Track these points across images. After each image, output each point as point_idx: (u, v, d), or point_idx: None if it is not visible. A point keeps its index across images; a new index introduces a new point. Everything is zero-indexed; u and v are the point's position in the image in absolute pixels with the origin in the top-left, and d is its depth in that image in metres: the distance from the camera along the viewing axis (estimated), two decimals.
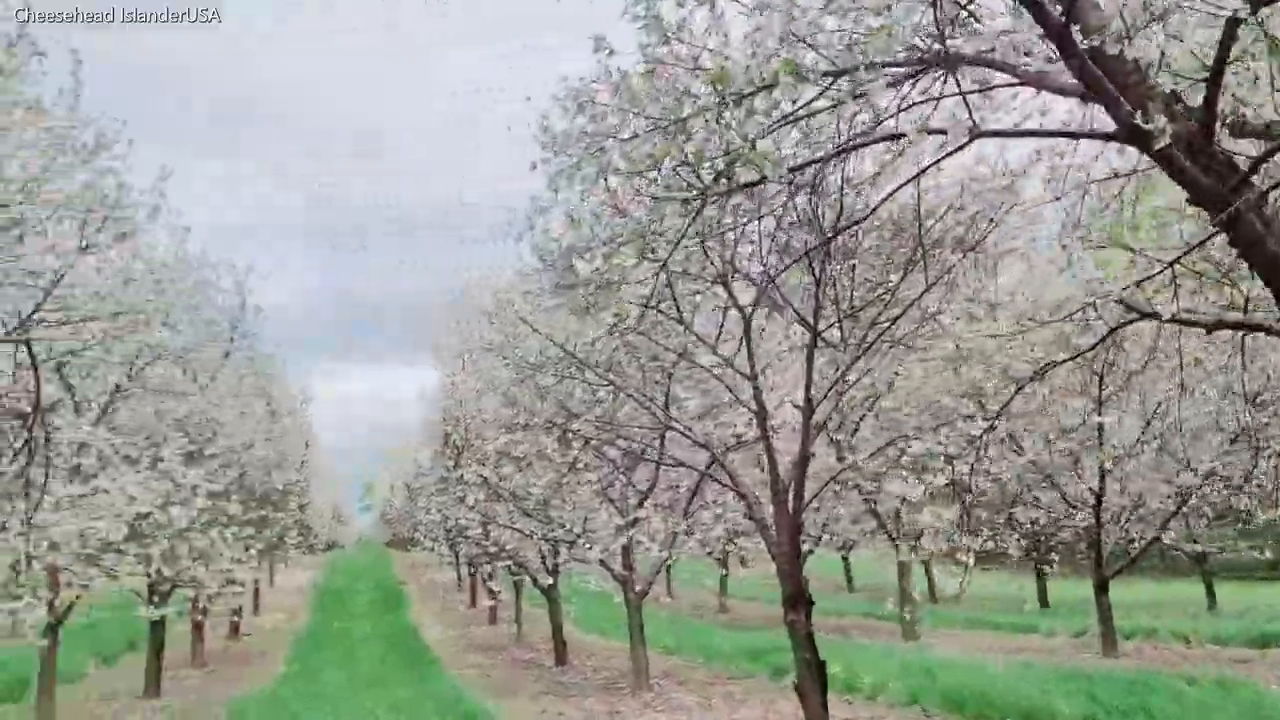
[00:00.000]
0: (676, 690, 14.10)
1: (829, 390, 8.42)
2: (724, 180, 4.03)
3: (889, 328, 8.32)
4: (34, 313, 5.94)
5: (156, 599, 13.58)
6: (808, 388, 8.09)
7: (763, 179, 3.85)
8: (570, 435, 11.36)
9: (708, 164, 3.99)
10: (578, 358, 9.36)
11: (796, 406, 8.45)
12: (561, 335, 9.49)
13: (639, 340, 9.39)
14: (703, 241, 6.07)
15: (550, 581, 17.82)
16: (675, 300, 8.63)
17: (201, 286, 12.83)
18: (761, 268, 7.74)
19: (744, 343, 8.50)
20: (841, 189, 5.09)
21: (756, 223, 7.08)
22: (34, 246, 6.27)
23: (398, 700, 13.18)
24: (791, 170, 3.96)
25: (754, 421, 12.34)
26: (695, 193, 4.13)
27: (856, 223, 6.20)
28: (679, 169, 4.65)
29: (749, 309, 8.40)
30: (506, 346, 10.30)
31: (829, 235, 6.46)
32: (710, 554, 20.73)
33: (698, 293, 8.41)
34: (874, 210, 5.62)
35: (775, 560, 8.70)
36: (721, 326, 8.73)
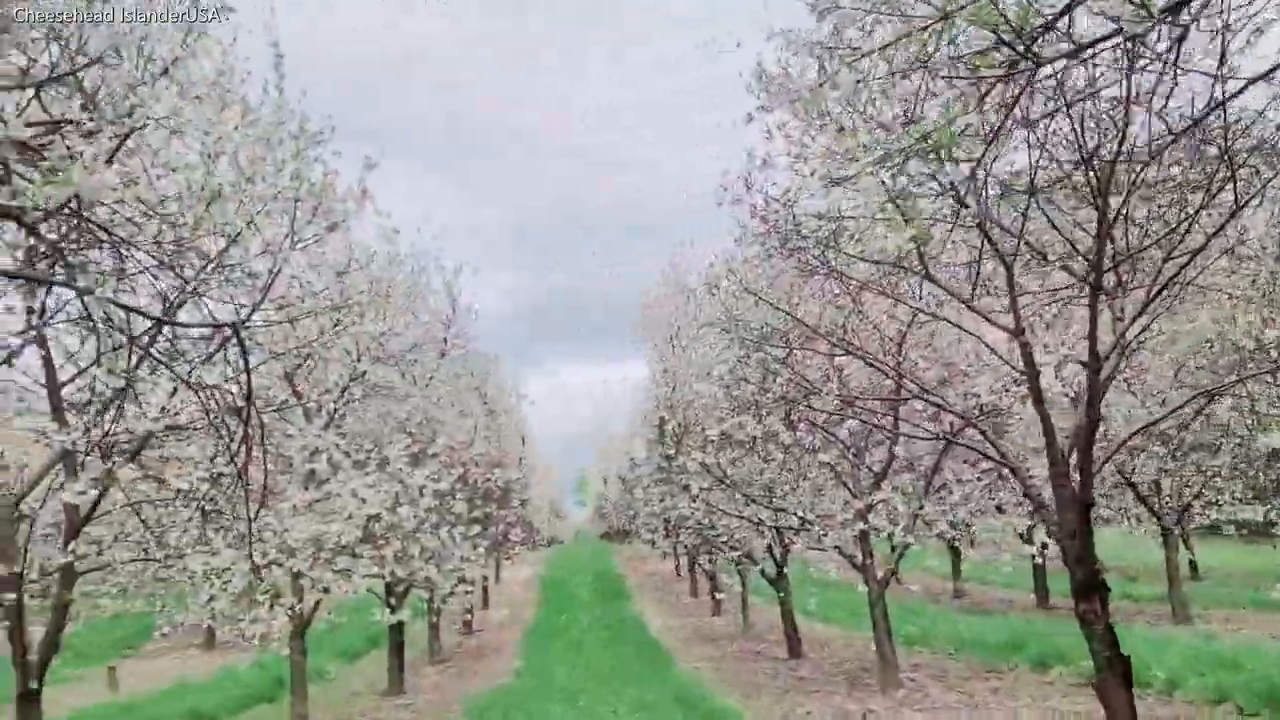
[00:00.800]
0: (932, 685, 12.96)
1: (1115, 344, 7.17)
2: (1051, 37, 3.07)
3: (1187, 264, 7.00)
4: (253, 311, 5.68)
5: (394, 600, 13.70)
6: (1092, 341, 6.89)
7: (1118, 29, 2.85)
8: (800, 414, 10.49)
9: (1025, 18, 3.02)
10: (808, 325, 8.48)
11: (1081, 363, 7.25)
12: (787, 304, 8.65)
13: (876, 303, 8.40)
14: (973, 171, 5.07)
15: (778, 570, 17.05)
16: (920, 255, 7.62)
17: (414, 285, 12.81)
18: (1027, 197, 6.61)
19: (1009, 292, 7.37)
20: (1223, 43, 3.93)
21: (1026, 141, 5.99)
22: (250, 245, 6.06)
23: (637, 697, 12.73)
24: (1164, 12, 2.93)
25: (1005, 387, 11.05)
26: (1019, 57, 3.15)
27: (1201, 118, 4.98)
28: (959, 60, 3.72)
29: (1011, 257, 7.27)
30: (727, 321, 9.53)
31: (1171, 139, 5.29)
32: (940, 536, 19.35)
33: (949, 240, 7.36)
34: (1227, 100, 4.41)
35: (1059, 542, 7.53)
36: (977, 275, 7.62)
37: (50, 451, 5.98)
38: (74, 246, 3.24)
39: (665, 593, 35.28)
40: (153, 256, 3.61)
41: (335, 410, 11.86)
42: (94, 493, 5.79)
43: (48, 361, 6.35)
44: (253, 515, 6.58)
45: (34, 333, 5.73)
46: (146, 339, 4.73)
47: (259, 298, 5.65)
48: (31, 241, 3.11)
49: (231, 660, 21.16)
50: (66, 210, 3.07)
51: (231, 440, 3.73)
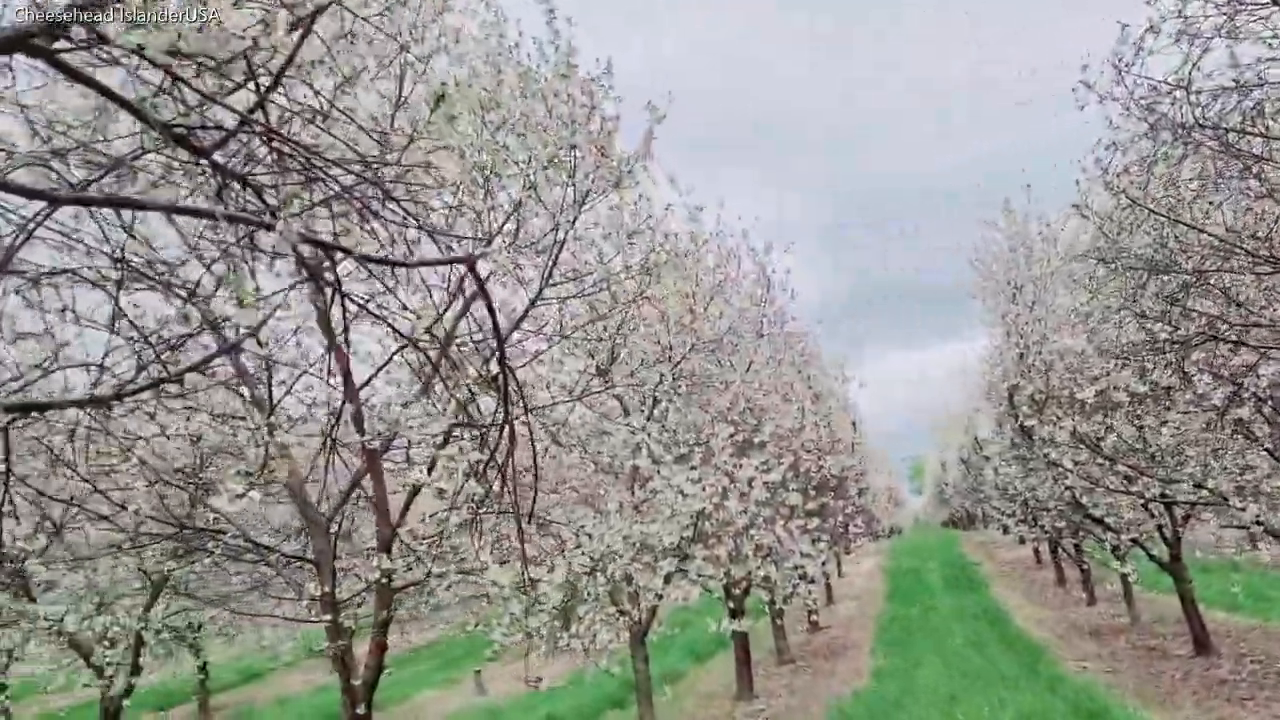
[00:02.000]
0: None
1: None
2: None
3: None
4: (545, 284, 4.95)
5: (732, 603, 12.86)
6: None
7: None
8: (1205, 361, 8.37)
9: None
10: (1224, 240, 6.48)
11: None
12: (1186, 214, 6.72)
13: None
14: None
15: (1171, 554, 14.46)
16: None
17: (723, 263, 11.90)
18: None
19: None
20: None
21: None
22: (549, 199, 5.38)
23: (1022, 705, 11.00)
24: None
25: None
26: None
27: None
28: None
29: None
30: (1107, 249, 7.61)
31: None
32: None
33: None
34: None
35: None
36: None
37: (356, 464, 5.68)
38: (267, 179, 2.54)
39: (1025, 581, 32.20)
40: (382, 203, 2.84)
41: (656, 400, 11.21)
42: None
43: (343, 362, 6.03)
44: (568, 519, 5.95)
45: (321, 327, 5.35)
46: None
47: (547, 265, 4.86)
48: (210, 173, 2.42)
49: (581, 664, 21.42)
50: (259, 128, 2.32)
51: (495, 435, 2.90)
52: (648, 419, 10.81)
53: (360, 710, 5.42)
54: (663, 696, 18.23)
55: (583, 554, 5.92)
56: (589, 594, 6.54)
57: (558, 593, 5.42)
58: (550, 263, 5.20)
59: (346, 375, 6.13)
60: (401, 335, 3.04)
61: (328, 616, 5.51)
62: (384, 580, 5.38)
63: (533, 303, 5.48)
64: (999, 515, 26.10)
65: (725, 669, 17.75)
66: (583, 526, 6.07)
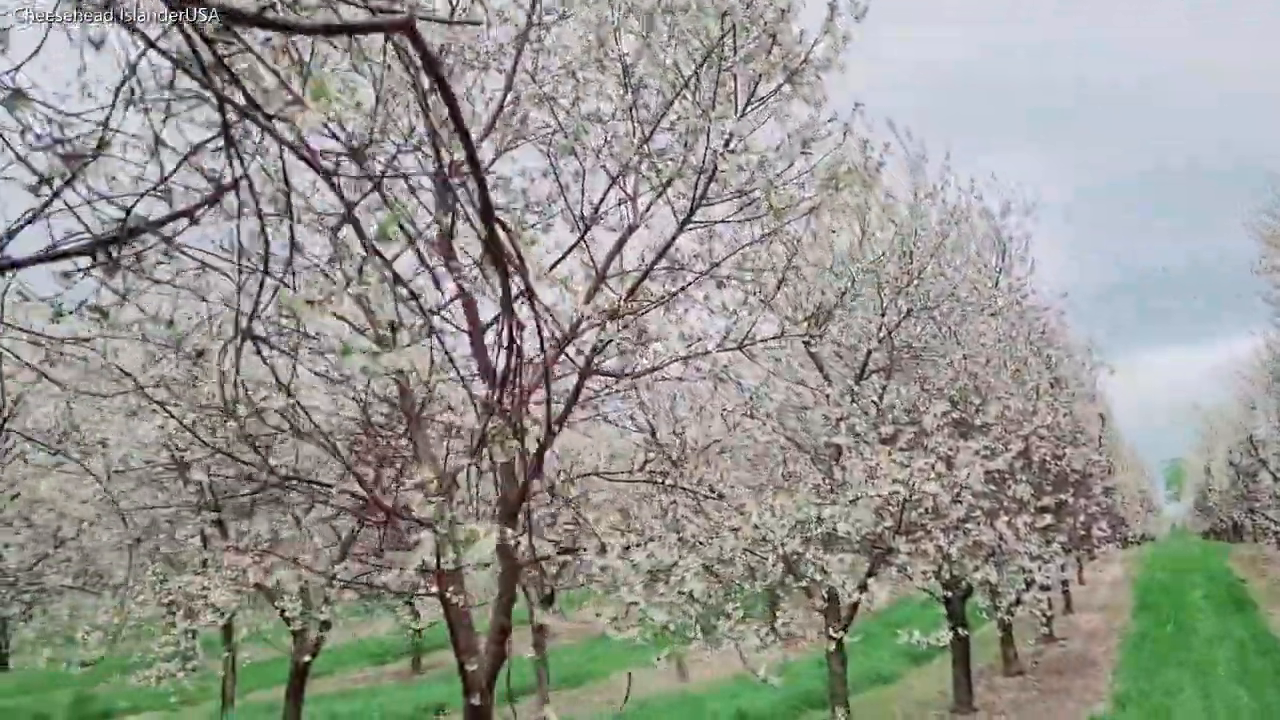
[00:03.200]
0: None
1: None
2: None
3: None
4: (694, 207, 4.00)
5: (948, 607, 11.44)
6: None
7: None
8: None
9: None
10: None
11: None
12: None
13: None
14: None
15: None
16: None
17: (947, 220, 10.44)
18: None
19: None
20: None
21: None
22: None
23: None
24: None
25: None
26: None
27: None
28: None
29: None
30: None
31: None
32: None
33: None
34: None
35: None
36: None
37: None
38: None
39: None
40: None
41: (863, 370, 9.99)
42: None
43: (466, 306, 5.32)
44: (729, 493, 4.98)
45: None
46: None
47: (698, 189, 3.93)
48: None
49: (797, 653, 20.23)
50: None
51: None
52: (844, 396, 9.67)
53: (475, 700, 4.73)
54: (894, 682, 16.86)
55: (737, 537, 4.95)
56: (759, 584, 5.58)
57: (697, 581, 4.51)
58: (702, 179, 4.23)
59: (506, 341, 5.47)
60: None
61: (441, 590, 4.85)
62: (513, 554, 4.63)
63: (683, 226, 4.53)
64: (1275, 526, 22.73)
65: (944, 675, 16.19)
66: (743, 505, 5.10)
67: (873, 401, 10.12)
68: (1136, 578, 39.41)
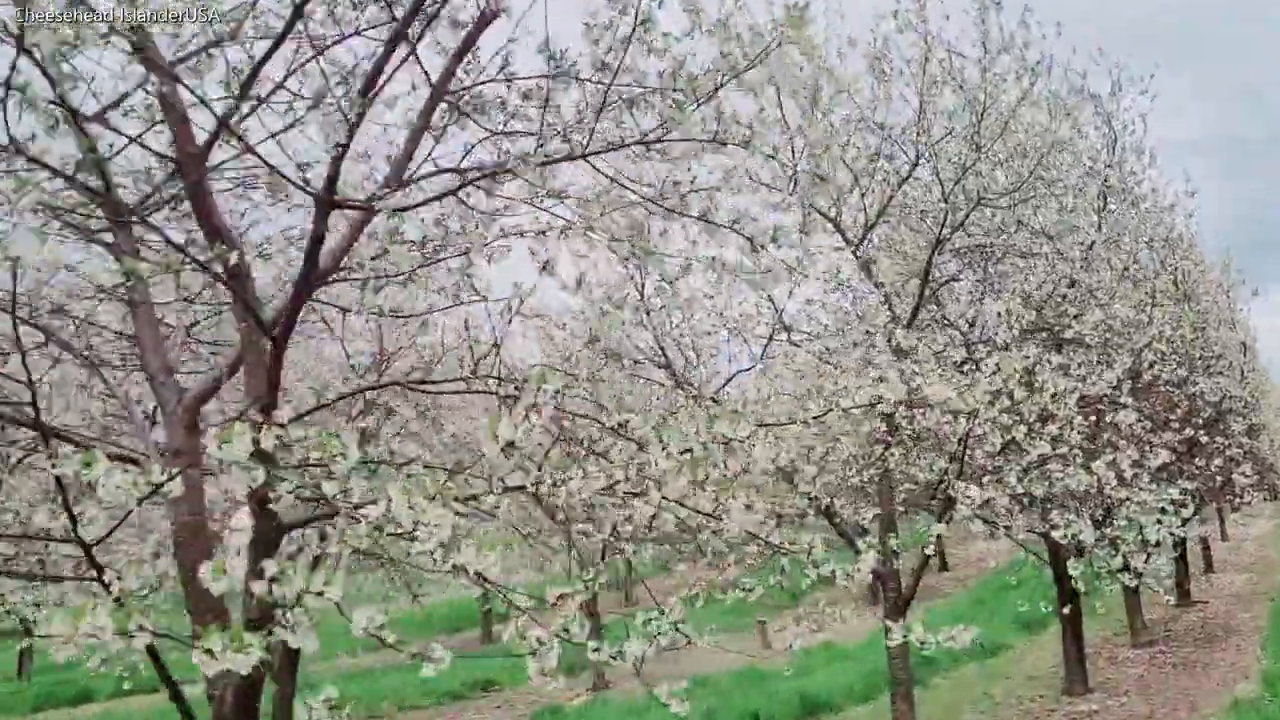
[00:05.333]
0: None
1: None
2: None
3: None
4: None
5: (1056, 569, 9.25)
6: None
7: None
8: None
9: None
10: None
11: None
12: None
13: None
14: None
15: None
16: None
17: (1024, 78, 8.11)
18: None
19: None
20: None
21: None
22: None
23: None
24: None
25: None
26: None
27: None
28: None
29: None
30: None
31: None
32: None
33: None
34: None
35: None
36: None
37: None
38: None
39: None
40: None
41: (925, 294, 7.87)
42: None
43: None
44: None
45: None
46: None
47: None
48: None
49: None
50: None
51: None
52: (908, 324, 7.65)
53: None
54: (1003, 653, 14.72)
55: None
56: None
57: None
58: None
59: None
60: None
61: None
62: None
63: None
64: None
65: (1060, 645, 13.95)
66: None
67: (935, 320, 8.04)
68: None
